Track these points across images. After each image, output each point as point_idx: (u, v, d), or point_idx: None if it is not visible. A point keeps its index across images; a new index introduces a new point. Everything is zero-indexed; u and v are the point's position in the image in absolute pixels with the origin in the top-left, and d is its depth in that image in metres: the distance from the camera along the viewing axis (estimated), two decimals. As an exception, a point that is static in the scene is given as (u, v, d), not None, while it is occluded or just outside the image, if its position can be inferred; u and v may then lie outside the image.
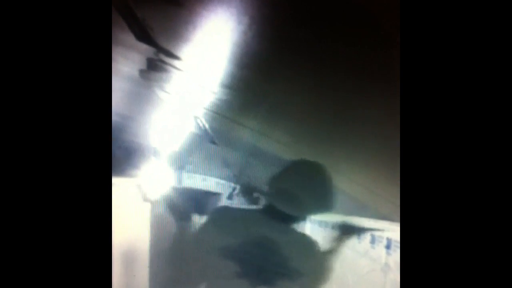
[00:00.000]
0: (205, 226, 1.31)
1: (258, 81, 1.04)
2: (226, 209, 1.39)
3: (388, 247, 1.69)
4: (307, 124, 1.20)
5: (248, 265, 1.22)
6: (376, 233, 1.80)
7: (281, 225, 1.29)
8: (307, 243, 1.37)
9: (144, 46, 1.00)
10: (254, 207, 1.40)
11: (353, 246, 2.04)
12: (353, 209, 2.00)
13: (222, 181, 3.13)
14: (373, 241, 1.83)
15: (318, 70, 0.78)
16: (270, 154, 1.81)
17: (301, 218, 1.42)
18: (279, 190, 1.25)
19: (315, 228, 2.79)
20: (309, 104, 1.01)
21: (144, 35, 0.94)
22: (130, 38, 0.95)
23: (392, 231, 1.66)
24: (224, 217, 1.32)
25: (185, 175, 3.06)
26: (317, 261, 1.38)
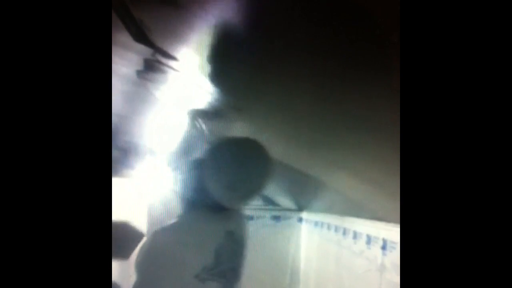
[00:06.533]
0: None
1: (255, 81, 1.04)
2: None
3: (384, 247, 1.69)
4: (305, 124, 1.20)
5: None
6: (372, 234, 1.80)
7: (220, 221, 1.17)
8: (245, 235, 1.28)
9: (141, 47, 1.00)
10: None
11: (349, 247, 2.04)
12: (350, 209, 2.01)
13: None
14: (369, 241, 1.84)
15: (317, 70, 0.78)
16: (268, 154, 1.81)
17: (235, 208, 1.28)
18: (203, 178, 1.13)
19: (310, 228, 2.80)
20: (307, 104, 1.02)
21: (141, 36, 0.94)
22: (127, 38, 0.95)
23: (388, 231, 1.67)
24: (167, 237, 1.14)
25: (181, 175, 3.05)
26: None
